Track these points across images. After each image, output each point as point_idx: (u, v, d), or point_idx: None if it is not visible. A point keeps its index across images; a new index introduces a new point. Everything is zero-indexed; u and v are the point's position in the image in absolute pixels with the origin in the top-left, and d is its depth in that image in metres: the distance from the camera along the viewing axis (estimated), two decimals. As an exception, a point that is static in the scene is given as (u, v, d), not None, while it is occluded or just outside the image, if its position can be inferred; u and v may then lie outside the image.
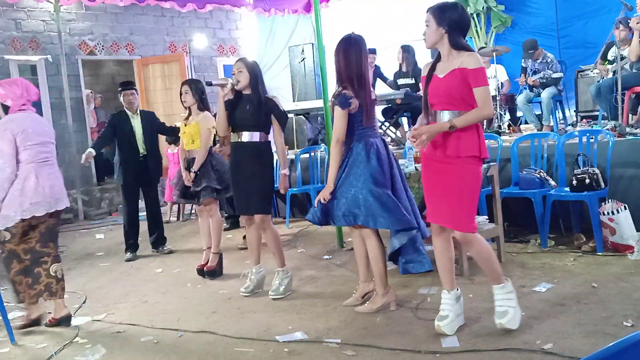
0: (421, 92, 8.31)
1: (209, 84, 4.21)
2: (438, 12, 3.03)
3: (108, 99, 11.31)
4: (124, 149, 5.84)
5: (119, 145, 5.87)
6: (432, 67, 3.13)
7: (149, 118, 6.00)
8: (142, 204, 6.09)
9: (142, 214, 6.13)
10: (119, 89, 5.96)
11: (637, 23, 5.69)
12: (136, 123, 5.86)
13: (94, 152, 5.70)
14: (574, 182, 4.56)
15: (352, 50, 3.56)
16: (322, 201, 3.58)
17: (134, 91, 5.88)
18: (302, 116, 8.39)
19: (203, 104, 4.92)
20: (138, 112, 5.92)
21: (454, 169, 3.02)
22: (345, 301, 3.82)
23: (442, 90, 3.03)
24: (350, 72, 3.55)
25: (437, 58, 3.14)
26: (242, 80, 4.11)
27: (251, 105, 4.09)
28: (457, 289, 3.24)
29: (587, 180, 4.50)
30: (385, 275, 3.65)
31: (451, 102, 3.01)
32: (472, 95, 2.97)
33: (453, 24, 3.01)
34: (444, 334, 3.10)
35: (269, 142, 4.23)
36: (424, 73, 3.19)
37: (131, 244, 5.94)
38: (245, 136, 4.14)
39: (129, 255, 5.88)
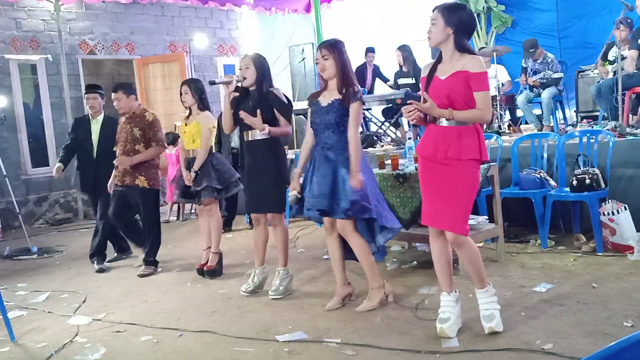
0: (421, 92, 8.31)
1: (212, 82, 4.15)
2: (447, 12, 2.99)
3: (108, 99, 11.27)
4: (79, 154, 5.63)
5: (77, 150, 5.63)
6: (433, 68, 3.10)
7: (110, 125, 5.53)
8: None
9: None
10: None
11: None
12: (95, 128, 5.55)
13: (62, 166, 5.55)
14: (574, 182, 4.56)
15: (347, 55, 3.65)
16: (359, 187, 3.48)
17: (97, 95, 5.58)
18: (302, 116, 8.38)
19: (203, 104, 4.91)
20: (100, 117, 5.60)
21: (453, 171, 3.01)
22: (327, 305, 3.78)
23: (443, 92, 3.01)
24: (353, 73, 3.68)
25: (438, 59, 3.11)
26: (248, 77, 4.06)
27: (254, 102, 4.06)
28: (456, 291, 3.24)
29: (587, 181, 4.50)
30: (375, 268, 3.70)
31: (452, 104, 2.98)
32: (473, 98, 2.96)
33: (461, 25, 2.99)
34: (447, 336, 3.07)
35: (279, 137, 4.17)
36: (424, 74, 3.17)
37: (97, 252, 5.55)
38: (254, 134, 4.11)
39: (95, 265, 5.47)
